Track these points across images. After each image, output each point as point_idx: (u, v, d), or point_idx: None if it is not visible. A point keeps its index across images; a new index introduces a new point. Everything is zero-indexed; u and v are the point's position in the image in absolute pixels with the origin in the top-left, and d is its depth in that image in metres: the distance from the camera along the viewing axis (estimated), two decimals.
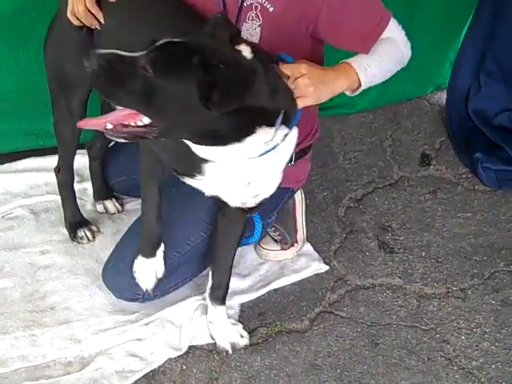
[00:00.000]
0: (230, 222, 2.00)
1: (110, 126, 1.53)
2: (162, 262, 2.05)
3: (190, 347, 2.08)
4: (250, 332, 2.14)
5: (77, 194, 2.47)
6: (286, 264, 2.36)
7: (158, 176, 1.95)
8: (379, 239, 2.47)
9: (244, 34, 1.83)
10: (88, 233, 2.40)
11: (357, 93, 1.84)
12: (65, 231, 2.44)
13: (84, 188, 2.63)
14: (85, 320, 2.14)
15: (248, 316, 2.19)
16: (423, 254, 2.41)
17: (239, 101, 1.44)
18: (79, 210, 2.44)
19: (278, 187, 2.01)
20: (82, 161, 2.56)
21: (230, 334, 2.08)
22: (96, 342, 2.07)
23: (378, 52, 1.86)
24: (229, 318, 2.14)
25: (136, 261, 2.04)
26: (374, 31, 1.86)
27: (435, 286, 2.30)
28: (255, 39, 1.84)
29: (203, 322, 2.12)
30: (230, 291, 2.18)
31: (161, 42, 1.48)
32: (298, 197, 2.38)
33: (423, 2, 2.92)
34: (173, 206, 2.09)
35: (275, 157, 1.66)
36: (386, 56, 1.86)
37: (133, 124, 1.52)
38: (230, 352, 2.06)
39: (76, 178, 2.49)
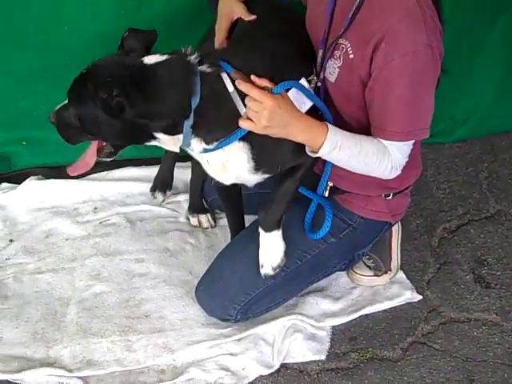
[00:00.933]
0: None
1: (93, 161, 1.85)
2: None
3: (282, 365, 2.08)
4: (341, 356, 2.12)
5: (171, 206, 2.60)
6: (378, 290, 2.33)
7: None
8: (475, 273, 2.42)
9: (326, 70, 1.86)
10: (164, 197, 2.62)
11: (314, 155, 1.80)
12: (160, 241, 2.48)
13: (178, 200, 2.68)
14: (178, 330, 2.16)
15: (339, 339, 2.18)
16: None
17: (133, 107, 1.66)
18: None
19: (376, 220, 2.01)
20: (176, 174, 2.64)
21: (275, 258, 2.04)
22: (189, 353, 2.09)
23: (364, 147, 1.81)
24: (319, 339, 2.13)
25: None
26: (390, 132, 1.80)
27: None
28: (332, 78, 1.85)
29: (296, 341, 2.12)
30: (321, 312, 2.21)
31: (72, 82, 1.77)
32: (395, 226, 2.35)
33: None
34: None
35: (225, 160, 1.84)
36: (365, 158, 1.81)
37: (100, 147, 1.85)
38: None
39: (172, 191, 2.63)
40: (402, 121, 1.80)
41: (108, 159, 1.88)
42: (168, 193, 2.67)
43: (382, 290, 2.33)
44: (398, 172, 1.89)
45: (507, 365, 2.10)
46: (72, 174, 1.92)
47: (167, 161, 2.63)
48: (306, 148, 1.84)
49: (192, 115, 1.73)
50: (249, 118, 1.74)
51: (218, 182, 2.01)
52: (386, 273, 2.34)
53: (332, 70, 1.86)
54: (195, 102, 1.72)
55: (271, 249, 2.03)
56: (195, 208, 2.59)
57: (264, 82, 1.74)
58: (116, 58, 1.77)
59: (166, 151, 2.57)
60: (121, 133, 1.75)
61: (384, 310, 2.27)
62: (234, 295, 2.09)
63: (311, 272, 2.15)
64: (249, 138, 1.80)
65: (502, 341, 2.18)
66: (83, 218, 2.61)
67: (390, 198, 2.09)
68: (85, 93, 1.68)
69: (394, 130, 1.81)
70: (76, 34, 2.44)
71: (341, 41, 1.83)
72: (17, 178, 2.74)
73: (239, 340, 2.13)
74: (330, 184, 2.06)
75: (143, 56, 1.74)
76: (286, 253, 2.07)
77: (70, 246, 2.49)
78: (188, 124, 1.74)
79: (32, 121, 2.62)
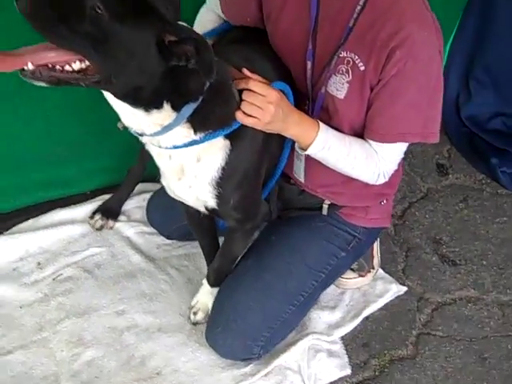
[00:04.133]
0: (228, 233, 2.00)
1: (30, 67, 1.37)
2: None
3: None
4: (363, 365, 2.13)
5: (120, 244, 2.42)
6: (366, 290, 2.37)
7: None
8: (438, 253, 2.55)
9: (330, 86, 1.79)
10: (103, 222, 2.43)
11: (302, 152, 1.79)
12: (131, 285, 2.28)
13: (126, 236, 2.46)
14: (200, 380, 2.02)
15: (353, 349, 2.18)
16: (484, 262, 2.53)
17: (207, 78, 1.46)
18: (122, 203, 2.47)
19: (375, 228, 2.03)
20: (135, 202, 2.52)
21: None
22: None
23: (353, 150, 1.79)
24: (337, 354, 2.12)
25: None
26: (389, 135, 1.77)
27: (508, 292, 2.42)
28: (340, 94, 1.78)
29: (320, 362, 2.09)
30: (327, 325, 2.22)
31: None
32: None
33: None
34: (277, 257, 2.04)
35: (195, 158, 1.66)
36: (353, 160, 1.79)
37: (59, 68, 1.39)
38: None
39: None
40: (411, 123, 1.77)
41: (43, 83, 1.40)
42: (111, 222, 2.45)
43: (370, 290, 2.37)
44: (385, 179, 1.88)
45: (505, 336, 2.25)
46: None
47: (122, 189, 2.45)
48: (296, 145, 1.80)
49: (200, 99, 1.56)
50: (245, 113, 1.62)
51: (187, 206, 1.88)
52: (369, 271, 2.38)
53: (340, 86, 1.78)
54: (206, 86, 1.55)
55: (210, 300, 2.09)
56: (109, 212, 2.43)
57: (258, 77, 1.65)
58: None
59: (128, 174, 2.40)
60: (140, 73, 1.43)
61: (379, 309, 2.31)
62: (256, 332, 1.99)
63: (324, 288, 2.13)
64: (233, 137, 1.67)
65: (490, 314, 2.34)
66: (30, 278, 2.29)
67: (385, 202, 2.11)
68: (141, 20, 1.39)
69: (401, 132, 1.77)
70: None
71: (343, 54, 1.74)
72: None
73: (266, 375, 2.04)
74: (328, 202, 2.03)
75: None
76: (303, 277, 2.00)
77: (29, 315, 2.17)
78: (191, 106, 1.54)
79: None
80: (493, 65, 3.08)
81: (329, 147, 1.76)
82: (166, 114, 1.53)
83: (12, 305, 2.20)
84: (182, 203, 1.89)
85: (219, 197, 1.74)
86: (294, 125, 1.71)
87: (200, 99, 1.55)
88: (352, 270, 2.36)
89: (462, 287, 2.43)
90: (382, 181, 1.87)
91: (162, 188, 2.05)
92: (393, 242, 2.58)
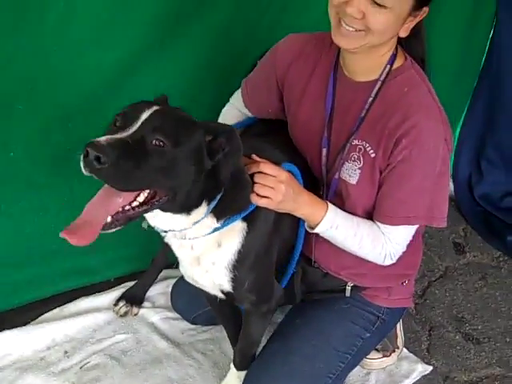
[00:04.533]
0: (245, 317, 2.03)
1: (109, 220, 1.46)
2: None
3: None
4: None
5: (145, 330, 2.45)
6: (391, 371, 2.37)
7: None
8: (461, 331, 2.56)
9: (343, 173, 1.88)
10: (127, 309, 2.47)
11: (311, 231, 1.87)
12: (158, 371, 2.29)
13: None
14: None
15: None
16: (507, 339, 2.54)
17: (235, 163, 1.60)
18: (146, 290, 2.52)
19: (398, 308, 2.08)
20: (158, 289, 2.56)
21: None
22: None
23: (360, 230, 1.85)
24: None
25: None
26: (395, 218, 1.83)
27: None
28: (353, 180, 1.86)
29: None
30: None
31: (146, 114, 1.48)
32: None
33: None
34: (303, 340, 2.05)
35: (216, 244, 1.73)
36: (360, 240, 1.85)
37: (128, 207, 1.48)
38: None
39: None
40: (416, 207, 1.84)
41: (118, 227, 1.49)
42: (135, 309, 2.49)
43: (396, 370, 2.37)
44: (393, 261, 1.93)
45: None
46: (72, 241, 1.44)
47: (146, 276, 2.51)
48: (305, 224, 1.88)
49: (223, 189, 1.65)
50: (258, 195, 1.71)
51: (209, 294, 1.94)
52: (393, 351, 2.39)
53: (352, 173, 1.87)
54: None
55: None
56: (133, 299, 2.48)
57: (267, 161, 1.75)
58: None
59: (152, 262, 2.46)
60: (198, 178, 1.55)
61: None
62: None
63: (350, 369, 2.13)
64: (249, 219, 1.76)
65: None
66: (57, 367, 2.30)
67: (407, 283, 2.14)
68: (191, 134, 1.52)
69: (406, 215, 1.83)
70: None
71: (355, 142, 1.85)
72: None
73: None
74: (351, 284, 2.08)
75: None
76: (330, 359, 2.02)
77: None
78: (217, 198, 1.64)
79: None
80: (503, 145, 3.18)
81: (336, 226, 1.84)
82: (202, 210, 1.62)
83: None
84: (201, 289, 1.94)
85: (234, 280, 1.80)
86: (304, 204, 1.80)
87: (223, 190, 1.64)
88: (376, 350, 2.37)
89: (487, 365, 2.43)
90: (388, 262, 1.92)
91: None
92: (415, 321, 2.60)
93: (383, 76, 1.80)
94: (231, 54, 2.41)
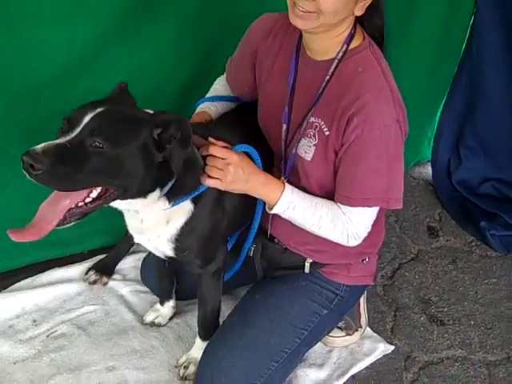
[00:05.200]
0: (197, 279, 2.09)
1: (61, 217, 1.57)
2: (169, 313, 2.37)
3: None
4: None
5: (114, 301, 2.49)
6: (354, 349, 2.40)
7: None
8: (426, 313, 2.59)
9: (299, 148, 1.92)
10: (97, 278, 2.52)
11: (269, 212, 1.91)
12: (123, 342, 2.33)
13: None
14: None
15: None
16: (472, 322, 2.56)
17: (186, 150, 1.67)
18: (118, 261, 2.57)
19: (358, 285, 2.11)
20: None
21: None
22: None
23: (318, 210, 1.89)
24: None
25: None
26: (353, 199, 1.86)
27: (495, 352, 2.44)
28: (308, 156, 1.91)
29: None
30: (312, 383, 2.22)
31: (87, 117, 1.55)
32: None
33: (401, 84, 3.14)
34: (261, 314, 2.09)
35: (165, 221, 1.83)
36: (319, 220, 1.89)
37: (81, 204, 1.60)
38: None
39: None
40: (373, 189, 1.87)
41: (73, 222, 1.61)
42: (105, 279, 2.54)
43: (358, 348, 2.40)
44: (358, 241, 1.96)
45: None
46: (17, 240, 1.57)
47: (117, 248, 2.57)
48: (266, 206, 1.92)
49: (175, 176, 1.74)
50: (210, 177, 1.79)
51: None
52: (356, 330, 2.42)
53: (307, 149, 1.91)
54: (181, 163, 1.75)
55: (200, 355, 2.11)
56: (104, 269, 2.53)
57: (221, 143, 1.81)
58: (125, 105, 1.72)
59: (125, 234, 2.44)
60: (148, 173, 1.63)
61: (366, 368, 2.34)
62: None
63: (308, 346, 2.17)
64: (198, 199, 1.84)
65: (477, 373, 2.36)
66: (25, 335, 2.35)
67: (367, 260, 2.17)
68: (134, 133, 1.59)
69: (364, 197, 1.87)
70: None
71: (312, 119, 1.89)
72: None
73: None
74: (310, 260, 2.11)
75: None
76: (286, 334, 2.06)
77: (22, 370, 2.22)
78: (170, 183, 1.73)
79: None
80: (482, 132, 3.19)
81: (293, 207, 1.88)
82: (155, 194, 1.71)
83: (6, 361, 2.25)
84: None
85: (176, 248, 1.90)
86: (258, 185, 1.84)
87: (175, 176, 1.74)
88: (339, 328, 2.40)
89: (449, 347, 2.46)
90: (354, 242, 1.95)
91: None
92: (381, 302, 2.63)
93: (340, 55, 1.83)
94: (204, 39, 2.45)
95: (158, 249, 1.93)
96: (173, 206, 1.78)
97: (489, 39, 2.97)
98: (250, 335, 2.03)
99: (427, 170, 3.40)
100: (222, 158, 1.78)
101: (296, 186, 1.94)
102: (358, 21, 1.85)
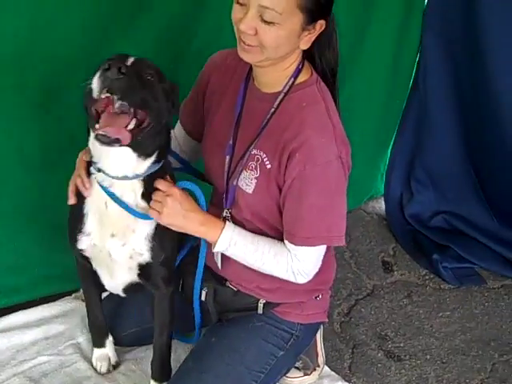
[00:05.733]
0: (156, 301, 2.11)
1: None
2: (113, 349, 2.28)
3: None
4: None
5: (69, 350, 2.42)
6: None
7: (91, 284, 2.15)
8: (383, 349, 2.61)
9: (240, 181, 1.94)
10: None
11: (214, 250, 1.95)
12: None
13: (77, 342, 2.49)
14: None
15: None
16: (428, 357, 2.58)
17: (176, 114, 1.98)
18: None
19: (312, 323, 2.12)
20: None
21: None
22: None
23: (260, 246, 1.92)
24: None
25: (93, 352, 2.25)
26: (296, 238, 1.87)
27: None
28: (249, 189, 1.92)
29: None
30: None
31: (131, 59, 1.77)
32: None
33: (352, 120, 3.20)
34: (217, 358, 2.07)
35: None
36: (262, 256, 1.92)
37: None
38: None
39: None
40: (315, 227, 1.88)
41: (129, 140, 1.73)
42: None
43: None
44: (308, 278, 1.97)
45: None
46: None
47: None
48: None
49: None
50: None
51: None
52: (314, 369, 2.41)
53: (248, 182, 1.92)
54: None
55: None
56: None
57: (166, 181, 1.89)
58: None
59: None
60: (169, 116, 1.86)
61: None
62: None
63: None
64: None
65: None
66: None
67: (320, 297, 2.18)
68: (163, 77, 1.84)
69: (306, 236, 1.88)
70: None
71: (254, 151, 1.90)
72: None
73: None
74: (263, 301, 2.11)
75: None
76: (242, 378, 2.05)
77: None
78: (157, 166, 1.87)
79: None
80: (431, 166, 3.27)
81: (235, 243, 1.91)
82: (147, 163, 1.82)
83: None
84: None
85: (153, 249, 1.93)
86: (196, 223, 1.89)
87: (160, 164, 1.86)
88: (297, 368, 2.39)
89: (406, 383, 2.47)
90: (302, 280, 1.96)
91: (110, 294, 2.21)
92: (339, 340, 2.63)
93: (286, 88, 1.86)
94: None
95: (135, 250, 1.92)
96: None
97: (434, 76, 3.07)
98: (206, 380, 2.02)
99: (381, 205, 3.45)
100: (162, 191, 1.84)
101: (237, 219, 1.97)
102: (311, 57, 1.89)
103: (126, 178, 1.82)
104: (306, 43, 1.82)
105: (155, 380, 2.19)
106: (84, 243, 1.94)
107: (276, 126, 1.87)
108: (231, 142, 1.97)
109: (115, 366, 2.36)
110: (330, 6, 1.81)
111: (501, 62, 2.82)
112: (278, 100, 1.87)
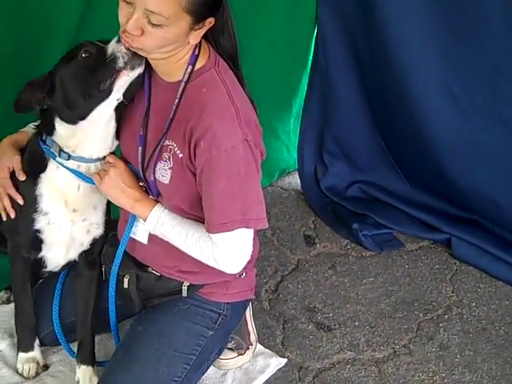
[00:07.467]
0: (84, 282, 2.18)
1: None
2: (40, 351, 2.24)
3: None
4: None
5: None
6: (248, 368, 2.38)
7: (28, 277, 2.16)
8: (313, 321, 2.63)
9: (156, 173, 1.92)
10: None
11: (144, 228, 2.01)
12: None
13: None
14: None
15: None
16: (356, 323, 2.62)
17: None
18: None
19: (239, 302, 2.11)
20: None
21: None
22: None
23: (185, 228, 1.92)
24: None
25: (19, 357, 2.21)
26: (212, 226, 1.85)
27: (381, 349, 2.51)
28: (165, 180, 1.91)
29: None
30: None
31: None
32: None
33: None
34: (145, 346, 2.04)
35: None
36: (185, 239, 1.92)
37: None
38: None
39: None
40: (227, 213, 1.84)
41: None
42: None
43: (251, 366, 2.39)
44: (231, 267, 1.93)
45: None
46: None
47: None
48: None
49: None
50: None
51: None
52: (248, 348, 2.40)
53: (164, 173, 1.90)
54: None
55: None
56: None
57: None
58: None
59: None
60: None
61: None
62: None
63: (199, 371, 2.12)
64: None
65: (367, 372, 2.41)
66: None
67: (244, 275, 2.16)
68: None
69: (220, 222, 1.84)
70: None
71: (166, 142, 1.88)
72: None
73: None
74: (187, 283, 2.08)
75: None
76: (173, 362, 2.01)
77: None
78: None
79: None
80: (341, 137, 3.30)
81: (162, 223, 1.92)
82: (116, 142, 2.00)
83: None
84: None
85: (107, 222, 2.09)
86: (131, 198, 1.94)
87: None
88: (230, 349, 2.37)
89: (338, 351, 2.49)
90: (227, 269, 1.93)
91: None
92: (269, 317, 2.63)
93: (185, 77, 1.82)
94: None
95: (94, 225, 2.05)
96: None
97: (333, 48, 3.08)
98: (136, 369, 1.98)
99: (297, 180, 3.44)
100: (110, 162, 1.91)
101: (169, 207, 1.95)
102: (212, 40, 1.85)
103: (102, 159, 1.95)
104: (195, 38, 1.79)
105: (85, 363, 2.17)
106: (41, 223, 1.98)
107: (182, 115, 1.84)
108: (141, 133, 1.93)
109: (43, 369, 2.28)
110: (219, 3, 1.77)
111: (394, 28, 2.83)
112: (180, 89, 1.83)
